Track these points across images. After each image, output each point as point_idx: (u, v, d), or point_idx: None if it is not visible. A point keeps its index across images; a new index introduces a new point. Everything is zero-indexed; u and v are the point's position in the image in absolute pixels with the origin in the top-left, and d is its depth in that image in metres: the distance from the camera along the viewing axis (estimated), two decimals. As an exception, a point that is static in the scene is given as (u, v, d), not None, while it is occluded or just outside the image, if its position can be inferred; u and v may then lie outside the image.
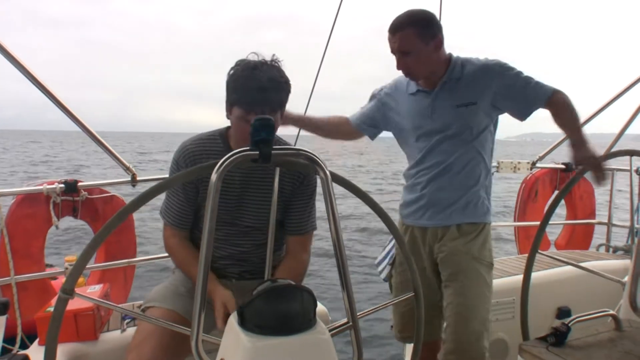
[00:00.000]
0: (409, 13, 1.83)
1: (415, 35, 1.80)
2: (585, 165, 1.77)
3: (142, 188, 2.08)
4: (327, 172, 0.95)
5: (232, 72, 1.52)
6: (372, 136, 2.16)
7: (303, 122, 2.11)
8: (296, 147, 0.97)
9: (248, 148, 0.91)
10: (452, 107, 1.87)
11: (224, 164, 0.90)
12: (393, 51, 1.84)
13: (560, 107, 1.82)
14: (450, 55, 1.92)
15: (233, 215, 1.67)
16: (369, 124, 2.12)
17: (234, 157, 0.90)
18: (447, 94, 1.88)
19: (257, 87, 1.46)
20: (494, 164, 3.51)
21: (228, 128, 1.69)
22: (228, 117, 1.59)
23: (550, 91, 1.82)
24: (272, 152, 0.90)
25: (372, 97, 2.14)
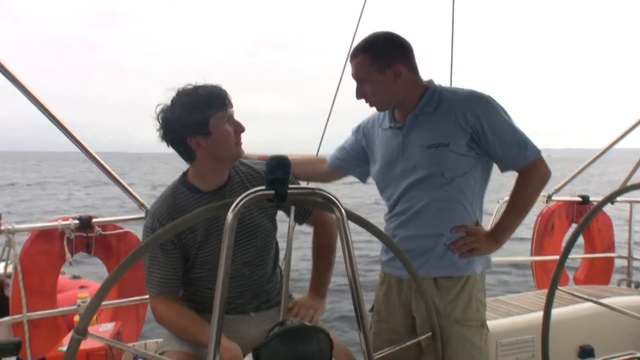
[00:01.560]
0: (368, 38, 1.70)
1: (368, 64, 1.65)
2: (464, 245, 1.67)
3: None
4: (343, 211, 0.95)
5: (178, 107, 1.58)
6: (360, 176, 1.96)
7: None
8: (311, 186, 0.98)
9: (264, 187, 0.91)
10: (421, 147, 1.68)
11: (240, 203, 0.90)
12: (353, 78, 1.72)
13: (534, 179, 1.66)
14: (428, 83, 1.73)
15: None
16: (351, 162, 1.95)
17: (250, 196, 0.90)
18: (418, 132, 1.70)
19: (213, 91, 1.60)
20: (507, 198, 3.47)
21: (184, 175, 1.73)
22: (191, 154, 1.63)
23: (536, 154, 1.65)
24: (289, 191, 0.91)
25: (352, 132, 1.99)
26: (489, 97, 1.66)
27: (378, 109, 1.77)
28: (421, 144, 1.68)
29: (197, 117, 1.58)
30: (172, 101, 1.61)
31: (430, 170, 1.67)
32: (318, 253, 1.88)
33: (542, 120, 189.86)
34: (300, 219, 1.85)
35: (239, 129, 1.64)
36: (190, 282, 1.74)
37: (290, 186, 0.91)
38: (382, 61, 1.65)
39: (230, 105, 1.63)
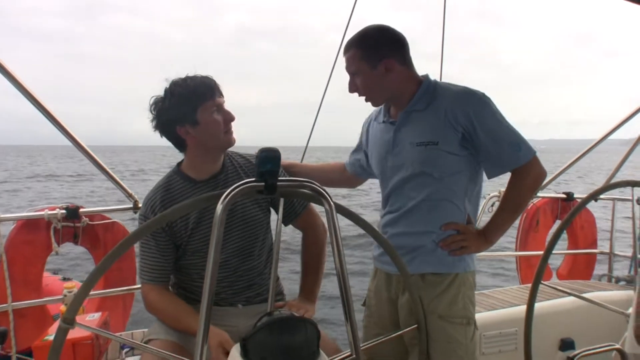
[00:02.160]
0: (360, 32, 1.69)
1: (359, 58, 1.65)
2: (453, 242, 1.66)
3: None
4: (332, 204, 0.95)
5: (169, 97, 1.62)
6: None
7: (294, 172, 2.03)
8: (300, 179, 0.98)
9: (253, 180, 0.92)
10: (411, 144, 1.67)
11: (230, 195, 0.90)
12: (346, 71, 1.73)
13: (528, 180, 1.63)
14: (423, 78, 1.72)
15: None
16: (364, 166, 1.96)
17: (240, 188, 0.91)
18: (409, 128, 1.69)
19: (202, 81, 1.63)
20: (495, 193, 3.51)
21: (179, 164, 1.77)
22: (182, 143, 1.67)
23: (530, 156, 1.61)
24: (278, 183, 0.92)
25: (360, 134, 1.99)
26: (482, 94, 1.62)
27: (372, 104, 1.76)
28: (411, 141, 1.67)
29: (185, 107, 1.61)
30: (164, 92, 1.65)
31: (420, 169, 1.66)
32: (307, 262, 1.89)
33: (529, 110, 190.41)
34: (285, 219, 1.85)
35: (228, 117, 1.66)
36: (182, 270, 1.75)
37: (280, 178, 0.92)
38: (373, 56, 1.64)
39: (219, 95, 1.66)
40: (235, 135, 1.70)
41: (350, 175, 2.05)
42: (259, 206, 1.77)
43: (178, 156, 1.78)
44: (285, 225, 1.88)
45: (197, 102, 1.62)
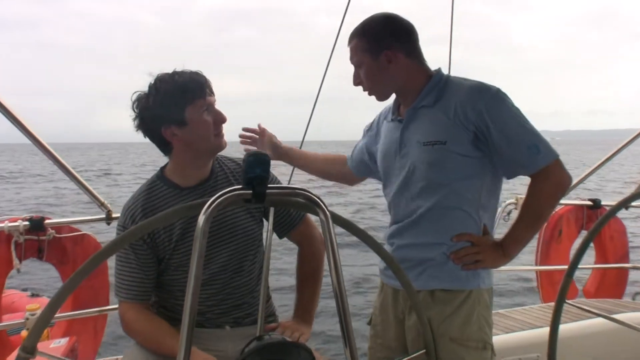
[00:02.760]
0: (364, 21, 1.73)
1: (361, 49, 1.70)
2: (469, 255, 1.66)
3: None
4: (328, 214, 0.95)
5: (153, 94, 1.63)
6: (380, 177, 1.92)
7: (292, 156, 2.10)
8: (293, 185, 0.98)
9: (240, 187, 0.91)
10: (418, 143, 1.68)
11: (213, 204, 0.89)
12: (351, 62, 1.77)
13: (547, 186, 1.62)
14: (435, 72, 1.74)
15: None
16: (366, 163, 1.99)
17: (225, 196, 0.90)
18: (416, 126, 1.71)
19: (191, 77, 1.63)
20: (512, 200, 3.52)
21: (162, 169, 1.77)
22: (167, 145, 1.68)
23: (551, 159, 1.59)
24: (267, 191, 0.91)
25: (365, 129, 2.04)
26: (497, 90, 1.62)
27: (376, 98, 1.78)
28: (418, 139, 1.68)
29: (172, 106, 1.62)
30: (149, 88, 1.65)
31: (427, 171, 1.66)
32: (303, 277, 1.89)
33: (540, 100, 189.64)
34: (281, 231, 1.86)
35: (219, 118, 1.67)
36: (164, 287, 1.74)
37: (269, 185, 0.92)
38: (374, 46, 1.68)
39: (210, 93, 1.66)
40: (226, 138, 1.70)
41: (351, 171, 2.08)
42: (251, 216, 1.77)
43: (155, 154, 1.79)
44: (281, 237, 1.88)
45: (185, 100, 1.61)
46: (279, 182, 1.78)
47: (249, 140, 2.10)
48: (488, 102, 1.60)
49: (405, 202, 1.73)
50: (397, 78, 1.71)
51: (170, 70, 1.66)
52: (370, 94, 1.76)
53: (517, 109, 1.63)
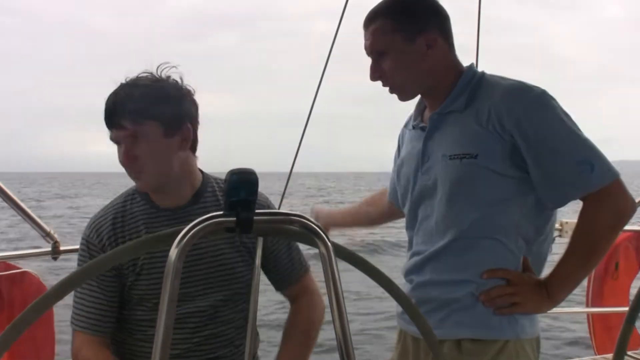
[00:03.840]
0: None
1: (391, 30, 1.67)
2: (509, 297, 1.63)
3: (67, 261, 2.03)
4: (330, 245, 0.93)
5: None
6: None
7: (350, 220, 2.20)
8: (286, 210, 0.97)
9: (221, 213, 0.90)
10: (443, 157, 1.66)
11: (188, 235, 0.87)
12: (367, 52, 1.73)
13: (604, 213, 1.57)
14: (467, 68, 1.74)
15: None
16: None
17: (202, 225, 0.88)
18: (442, 135, 1.70)
19: (108, 102, 1.67)
20: (556, 225, 3.50)
21: None
22: None
23: (609, 179, 1.55)
24: (255, 217, 0.90)
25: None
26: (541, 92, 1.59)
27: (401, 97, 1.76)
28: (444, 152, 1.66)
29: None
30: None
31: (453, 191, 1.63)
32: (292, 331, 1.87)
33: (587, 123, 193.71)
34: (280, 283, 1.89)
35: (122, 161, 1.67)
36: (122, 323, 1.74)
37: (257, 211, 0.90)
38: (410, 26, 1.67)
39: (118, 123, 1.64)
40: (145, 180, 1.70)
41: (396, 208, 2.04)
42: (235, 249, 1.75)
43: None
44: (278, 290, 1.90)
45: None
46: (271, 207, 1.78)
47: None
48: (529, 105, 1.58)
49: (427, 229, 1.71)
50: (434, 69, 1.69)
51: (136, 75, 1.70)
52: (393, 91, 1.74)
53: (567, 116, 1.60)
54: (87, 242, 1.73)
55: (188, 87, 1.71)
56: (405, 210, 1.82)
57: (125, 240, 1.69)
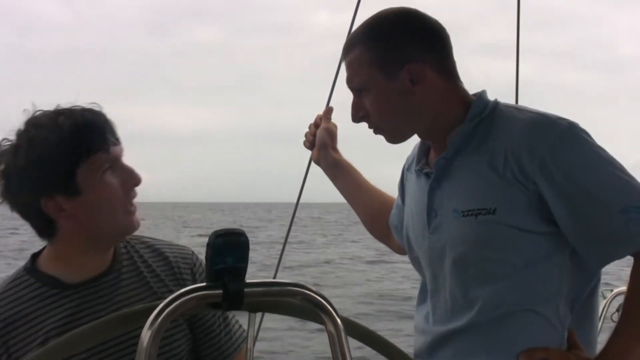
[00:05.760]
0: (371, 19, 1.54)
1: (369, 62, 1.47)
2: None
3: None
4: (339, 323, 0.83)
5: (24, 149, 1.41)
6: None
7: (341, 170, 1.88)
8: (284, 280, 0.86)
9: (203, 285, 0.81)
10: (454, 213, 1.47)
11: (164, 314, 0.77)
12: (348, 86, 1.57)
13: None
14: (476, 97, 1.52)
15: None
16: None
17: (180, 300, 0.79)
18: (451, 184, 1.50)
19: (84, 118, 1.44)
20: (621, 288, 3.13)
21: (34, 257, 1.54)
22: (50, 225, 1.45)
23: None
24: (246, 289, 0.81)
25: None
26: (569, 125, 1.40)
27: (389, 139, 1.56)
28: (454, 206, 1.46)
29: (55, 167, 1.41)
30: (18, 136, 1.44)
31: (471, 255, 1.44)
32: None
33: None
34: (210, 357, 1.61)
35: (130, 181, 1.47)
36: None
37: (248, 282, 0.81)
38: (391, 57, 1.45)
39: (113, 141, 1.47)
40: (138, 215, 1.49)
41: (390, 230, 1.85)
42: (175, 322, 1.49)
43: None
44: None
45: (74, 156, 1.41)
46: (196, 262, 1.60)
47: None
48: (555, 145, 1.37)
49: (445, 302, 1.50)
50: (424, 108, 1.47)
51: (55, 106, 1.45)
52: (377, 132, 1.55)
53: (604, 153, 1.39)
54: None
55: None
56: (416, 268, 1.65)
57: (23, 342, 1.43)
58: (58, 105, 1.45)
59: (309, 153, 2.09)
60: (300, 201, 2.34)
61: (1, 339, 1.43)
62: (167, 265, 1.58)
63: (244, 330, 1.62)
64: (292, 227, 2.53)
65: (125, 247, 1.57)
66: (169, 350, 1.49)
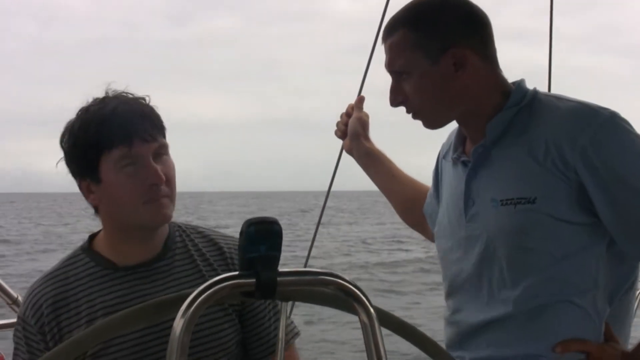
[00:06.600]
0: (412, 4, 1.53)
1: (411, 46, 1.47)
2: None
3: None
4: (373, 313, 0.83)
5: (70, 129, 1.51)
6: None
7: (374, 159, 1.89)
8: (317, 269, 0.86)
9: (236, 274, 0.81)
10: (492, 202, 1.46)
11: (197, 302, 0.77)
12: (387, 70, 1.56)
13: None
14: (515, 86, 1.51)
15: None
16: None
17: (214, 289, 0.78)
18: (489, 173, 1.50)
19: (115, 109, 1.47)
20: None
21: (91, 238, 1.60)
22: (90, 197, 1.53)
23: None
24: (279, 278, 0.81)
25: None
26: (611, 115, 1.40)
27: (427, 125, 1.56)
28: (493, 195, 1.45)
29: (82, 152, 1.49)
30: (76, 114, 1.52)
31: (509, 245, 1.43)
32: None
33: None
34: (259, 352, 1.62)
35: (151, 178, 1.46)
36: None
37: (281, 270, 0.81)
38: (434, 41, 1.45)
39: (150, 137, 1.47)
40: (168, 209, 1.49)
41: (424, 218, 1.85)
42: (224, 312, 1.54)
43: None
44: None
45: (98, 147, 1.45)
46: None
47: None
48: (596, 134, 1.37)
49: (479, 293, 1.50)
50: (465, 94, 1.48)
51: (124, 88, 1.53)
52: (416, 117, 1.55)
53: None
54: (23, 322, 1.51)
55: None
56: (447, 265, 1.62)
57: (71, 319, 1.48)
58: (114, 91, 1.51)
59: (332, 142, 2.11)
60: (318, 190, 2.33)
61: (53, 315, 1.49)
62: (221, 255, 1.61)
63: (295, 325, 1.67)
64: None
65: (181, 235, 1.61)
66: (217, 339, 1.52)
